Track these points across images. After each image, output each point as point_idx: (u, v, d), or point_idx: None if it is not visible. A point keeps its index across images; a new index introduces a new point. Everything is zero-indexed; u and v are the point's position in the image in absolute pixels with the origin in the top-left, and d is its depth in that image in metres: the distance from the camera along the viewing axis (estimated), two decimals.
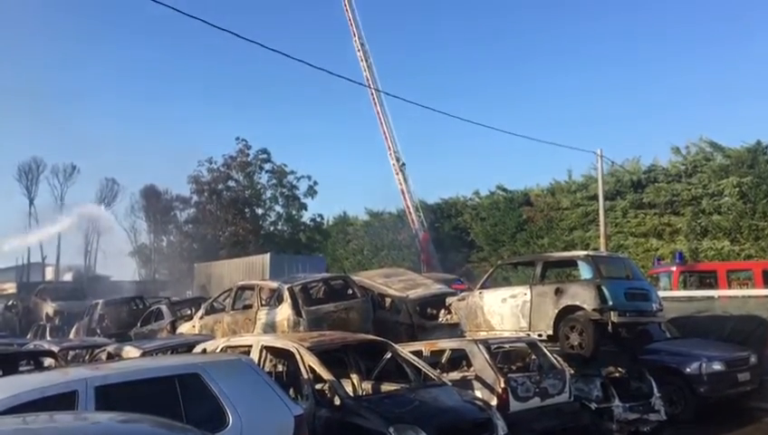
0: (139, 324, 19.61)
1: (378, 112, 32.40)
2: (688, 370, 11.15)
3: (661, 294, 13.48)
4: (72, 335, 22.34)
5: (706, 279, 18.95)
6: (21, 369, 10.43)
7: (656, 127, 62.44)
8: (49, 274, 46.06)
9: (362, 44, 32.51)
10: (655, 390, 10.27)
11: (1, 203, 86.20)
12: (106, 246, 49.85)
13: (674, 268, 19.27)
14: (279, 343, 8.47)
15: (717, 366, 11.22)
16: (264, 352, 8.55)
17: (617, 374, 10.44)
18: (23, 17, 69.34)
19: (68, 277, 42.44)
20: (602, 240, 25.05)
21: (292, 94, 78.58)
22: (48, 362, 11.21)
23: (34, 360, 11.27)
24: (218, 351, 8.67)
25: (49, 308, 26.96)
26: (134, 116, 75.69)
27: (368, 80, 31.72)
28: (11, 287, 37.58)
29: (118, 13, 75.20)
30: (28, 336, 23.21)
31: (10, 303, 30.80)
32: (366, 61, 32.28)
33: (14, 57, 70.07)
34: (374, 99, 32.21)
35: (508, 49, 73.27)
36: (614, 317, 10.53)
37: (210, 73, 78.05)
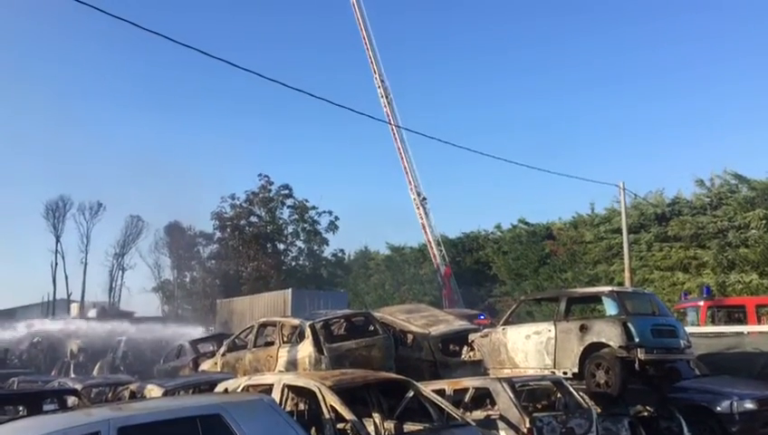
0: (161, 361, 19.66)
1: (398, 148, 32.60)
2: (719, 408, 10.82)
3: (689, 330, 13.21)
4: (95, 372, 22.41)
5: (735, 314, 18.54)
6: (45, 407, 10.48)
7: (678, 159, 62.09)
8: (74, 310, 46.43)
9: (382, 81, 32.90)
10: (685, 429, 10.02)
11: (28, 240, 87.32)
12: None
13: (701, 303, 18.87)
14: (300, 382, 8.40)
15: (749, 405, 10.87)
16: (286, 390, 8.49)
17: (645, 413, 10.23)
18: (50, 53, 71.52)
19: (92, 314, 42.71)
20: (627, 274, 24.70)
21: (314, 128, 79.48)
22: (71, 400, 11.23)
23: (58, 398, 11.30)
24: (240, 390, 8.64)
25: (73, 345, 27.10)
26: (158, 153, 76.74)
27: (388, 116, 32.04)
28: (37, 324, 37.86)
29: (140, 50, 77.03)
30: (52, 373, 23.33)
31: (35, 340, 31.01)
32: (386, 97, 32.61)
33: (40, 96, 71.93)
34: (395, 135, 32.47)
35: (529, 82, 73.61)
36: (641, 355, 10.34)
37: (232, 109, 79.33)
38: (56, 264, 48.88)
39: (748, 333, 14.65)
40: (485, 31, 75.20)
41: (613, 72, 67.03)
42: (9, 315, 47.23)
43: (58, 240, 49.83)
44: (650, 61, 65.80)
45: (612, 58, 66.54)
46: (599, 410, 9.30)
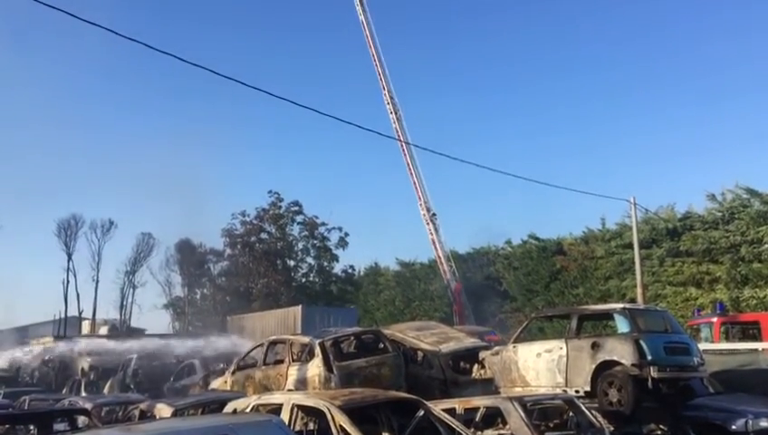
0: (172, 379, 19.64)
1: (408, 163, 32.67)
2: (734, 427, 10.65)
3: (702, 346, 13.08)
4: (106, 390, 22.44)
5: (749, 330, 18.31)
6: (56, 427, 10.49)
7: (689, 174, 61.74)
8: (85, 328, 46.62)
9: (392, 97, 33.05)
10: None
11: (40, 258, 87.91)
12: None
13: (715, 319, 18.66)
14: (310, 402, 8.37)
15: (765, 423, 10.69)
16: (296, 410, 8.46)
17: (659, 432, 10.12)
18: (60, 69, 72.45)
19: (104, 331, 42.87)
20: (639, 289, 24.53)
21: (324, 145, 79.75)
22: (82, 419, 11.22)
23: (69, 417, 11.30)
24: (249, 410, 8.61)
25: (84, 363, 27.16)
26: (168, 171, 77.22)
27: (397, 132, 32.14)
28: (48, 341, 38.05)
29: (146, 69, 77.78)
30: (63, 391, 23.37)
31: (47, 357, 31.12)
32: (395, 113, 32.75)
33: (52, 113, 72.75)
34: (404, 150, 32.54)
35: (539, 96, 73.69)
36: (654, 372, 10.25)
37: (240, 125, 79.69)
38: (68, 281, 49.08)
39: (763, 349, 14.47)
40: (492, 41, 75.43)
41: (624, 86, 67.01)
42: (22, 332, 47.53)
43: (70, 258, 50.04)
44: (661, 74, 65.74)
45: (623, 71, 66.47)
46: (611, 429, 9.20)
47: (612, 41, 67.43)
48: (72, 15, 9.23)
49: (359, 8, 33.70)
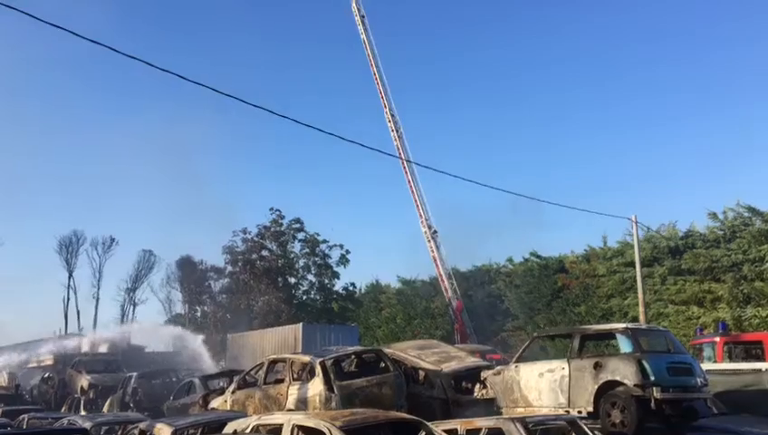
0: (171, 398, 19.52)
1: (409, 181, 32.74)
2: None
3: (705, 366, 13.00)
4: (105, 409, 22.30)
5: (753, 350, 18.15)
6: None
7: (690, 192, 61.75)
8: (85, 345, 46.44)
9: (393, 115, 33.20)
10: None
11: (41, 275, 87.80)
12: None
13: (717, 339, 18.50)
14: (310, 423, 8.31)
15: None
16: (296, 431, 8.40)
17: None
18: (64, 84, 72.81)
19: (103, 348, 42.67)
20: (641, 308, 24.42)
21: (325, 160, 79.94)
22: None
23: None
24: (249, 430, 8.56)
25: (84, 381, 26.93)
26: (171, 188, 77.45)
27: (398, 149, 32.25)
28: (48, 359, 37.85)
29: (151, 81, 78.10)
30: (63, 410, 23.23)
31: (46, 375, 30.98)
32: (397, 131, 32.87)
33: (55, 131, 73.00)
34: (405, 168, 32.60)
35: (540, 113, 73.89)
36: (657, 393, 10.21)
37: (242, 144, 79.92)
38: (68, 298, 49.13)
39: (766, 369, 14.37)
40: (493, 53, 75.86)
41: (626, 104, 67.20)
42: (22, 350, 47.39)
43: (71, 275, 50.14)
44: (663, 86, 65.91)
45: (625, 82, 66.74)
46: None
47: (614, 52, 67.81)
48: (75, 34, 9.31)
49: (360, 27, 33.97)
